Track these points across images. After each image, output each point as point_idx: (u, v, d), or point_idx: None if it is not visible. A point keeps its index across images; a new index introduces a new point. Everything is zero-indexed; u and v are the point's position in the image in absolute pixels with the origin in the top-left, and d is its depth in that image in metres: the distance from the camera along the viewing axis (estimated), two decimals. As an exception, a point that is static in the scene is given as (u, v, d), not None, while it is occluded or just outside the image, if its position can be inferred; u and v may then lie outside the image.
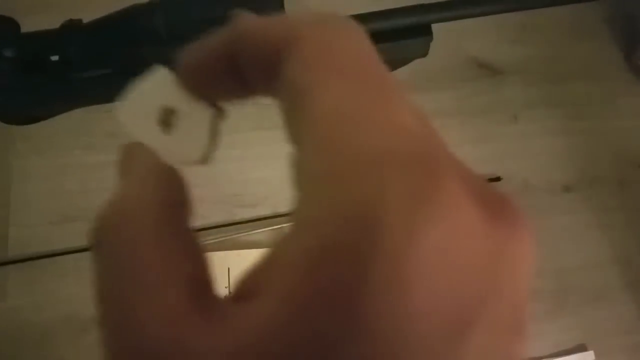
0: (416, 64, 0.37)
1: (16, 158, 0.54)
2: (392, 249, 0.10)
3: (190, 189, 0.14)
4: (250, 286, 0.12)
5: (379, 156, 0.11)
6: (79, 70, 0.31)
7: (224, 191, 0.55)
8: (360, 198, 0.10)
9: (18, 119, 0.35)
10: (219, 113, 0.15)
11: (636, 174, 0.61)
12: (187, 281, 0.12)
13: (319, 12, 0.13)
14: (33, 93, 0.33)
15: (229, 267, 0.49)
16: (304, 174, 0.12)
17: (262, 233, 0.53)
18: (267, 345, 0.10)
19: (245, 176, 0.55)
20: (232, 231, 0.53)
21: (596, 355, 0.52)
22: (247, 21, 0.13)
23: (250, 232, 0.53)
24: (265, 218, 0.53)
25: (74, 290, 0.47)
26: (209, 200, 0.54)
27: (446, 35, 0.38)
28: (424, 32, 0.35)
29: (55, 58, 0.31)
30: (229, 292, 0.12)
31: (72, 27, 0.32)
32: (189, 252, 0.13)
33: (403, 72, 0.38)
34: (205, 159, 0.15)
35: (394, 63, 0.36)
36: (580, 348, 0.53)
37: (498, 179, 0.57)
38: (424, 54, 0.36)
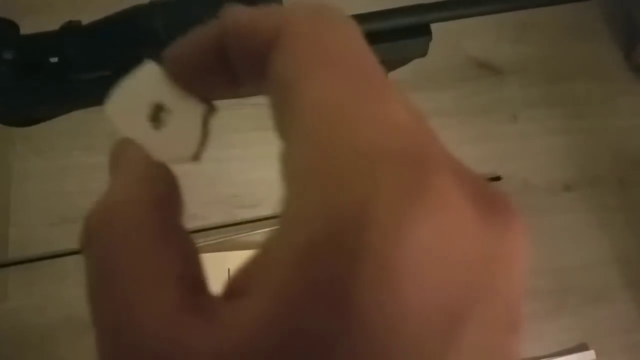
0: (416, 63, 0.37)
1: (16, 159, 0.54)
2: (381, 247, 0.10)
3: (181, 186, 0.14)
4: (241, 283, 0.11)
5: (368, 152, 0.10)
6: (79, 71, 0.31)
7: (224, 192, 0.55)
8: (349, 195, 0.10)
9: (18, 121, 0.35)
10: (210, 109, 0.15)
11: (636, 173, 0.61)
12: (179, 279, 0.12)
13: (310, 4, 0.13)
14: (33, 95, 0.33)
15: (228, 267, 0.49)
16: (292, 169, 0.11)
17: (262, 234, 0.53)
18: (258, 343, 0.10)
19: (245, 177, 0.55)
20: (232, 232, 0.53)
21: (597, 354, 0.52)
22: (236, 13, 0.13)
23: (250, 233, 0.53)
24: (265, 219, 0.53)
25: (74, 292, 0.47)
26: (208, 201, 0.54)
27: (446, 34, 0.38)
28: (423, 32, 0.35)
29: (54, 60, 0.31)
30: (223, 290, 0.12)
31: (71, 29, 0.32)
32: (180, 249, 0.12)
33: (403, 72, 0.38)
34: (196, 156, 0.15)
35: (393, 63, 0.36)
36: (582, 347, 0.53)
37: (498, 178, 0.57)
38: (423, 53, 0.36)
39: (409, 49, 0.35)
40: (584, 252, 0.57)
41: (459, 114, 0.60)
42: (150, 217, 0.12)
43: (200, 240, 0.51)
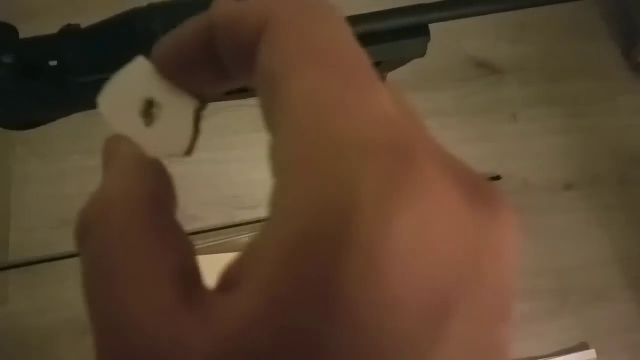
0: (415, 63, 0.37)
1: (16, 162, 0.54)
2: (366, 237, 0.10)
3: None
4: (232, 276, 0.11)
5: (353, 143, 0.10)
6: (78, 74, 0.31)
7: (224, 193, 0.55)
8: (334, 186, 0.10)
9: (17, 124, 0.35)
10: (201, 104, 0.15)
11: (636, 171, 0.61)
12: (172, 272, 0.12)
13: None
14: (32, 98, 0.33)
15: (229, 269, 0.49)
16: (279, 162, 0.11)
17: (262, 235, 0.53)
18: (248, 336, 0.10)
19: (245, 177, 0.55)
20: (232, 233, 0.53)
21: (597, 353, 0.52)
22: (223, 5, 0.13)
23: (250, 234, 0.53)
24: (265, 220, 0.53)
25: (74, 294, 0.47)
26: (208, 202, 0.54)
27: (445, 34, 0.38)
28: (421, 32, 0.35)
29: (53, 63, 0.31)
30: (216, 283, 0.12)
31: (70, 32, 0.32)
32: (173, 243, 0.12)
33: (402, 72, 0.38)
34: (188, 151, 0.15)
35: (391, 63, 0.36)
36: (582, 346, 0.53)
37: (498, 177, 0.57)
38: (422, 54, 0.36)
39: (408, 49, 0.35)
40: (584, 252, 0.57)
41: (459, 114, 0.60)
42: (143, 211, 0.12)
43: (199, 242, 0.51)
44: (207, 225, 0.52)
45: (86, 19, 0.33)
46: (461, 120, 0.60)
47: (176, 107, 0.15)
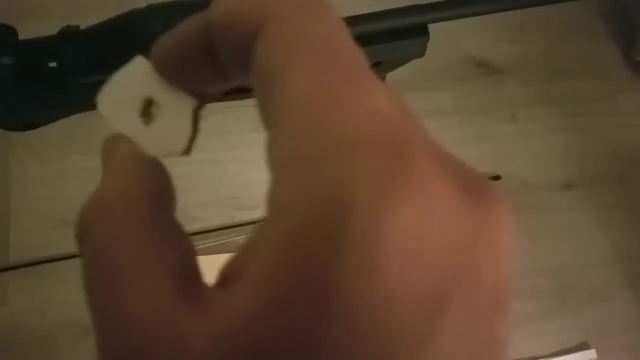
0: (414, 63, 0.37)
1: (16, 163, 0.54)
2: (361, 233, 0.10)
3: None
4: (232, 272, 0.12)
5: (349, 140, 0.11)
6: (77, 76, 0.31)
7: (223, 193, 0.55)
8: (329, 182, 0.10)
9: (17, 125, 0.35)
10: (200, 103, 0.15)
11: (636, 170, 0.60)
12: (172, 271, 0.12)
13: None
14: (32, 99, 0.33)
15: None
16: (276, 159, 0.11)
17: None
18: (246, 334, 0.10)
19: (245, 178, 0.55)
20: (231, 234, 0.53)
21: (598, 353, 0.52)
22: (221, 5, 0.13)
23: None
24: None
25: (74, 295, 0.47)
26: (208, 203, 0.54)
27: (444, 34, 0.38)
28: (421, 32, 0.35)
29: (53, 64, 0.31)
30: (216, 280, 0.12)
31: (69, 34, 0.32)
32: (173, 241, 0.13)
33: (401, 72, 0.38)
34: (186, 150, 0.15)
35: (391, 63, 0.36)
36: (583, 346, 0.53)
37: (498, 177, 0.57)
38: (421, 54, 0.36)
39: (407, 49, 0.35)
40: (584, 251, 0.57)
41: (458, 114, 0.60)
42: (143, 210, 0.13)
43: (199, 243, 0.51)
44: (207, 226, 0.52)
45: (85, 20, 0.33)
46: (461, 120, 0.60)
47: (175, 106, 0.15)
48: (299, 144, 0.11)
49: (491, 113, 0.61)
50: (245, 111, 0.53)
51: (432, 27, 0.35)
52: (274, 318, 0.10)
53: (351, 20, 0.32)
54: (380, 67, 0.36)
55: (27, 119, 0.35)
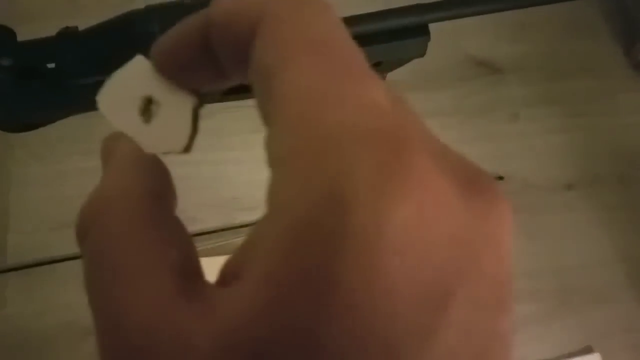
0: (414, 63, 0.37)
1: (15, 165, 0.54)
2: (362, 228, 0.10)
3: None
4: (233, 270, 0.12)
5: (347, 135, 0.11)
6: (76, 77, 0.31)
7: (223, 195, 0.55)
8: (328, 177, 0.10)
9: (16, 127, 0.35)
10: (199, 101, 0.15)
11: (637, 170, 0.60)
12: (172, 269, 0.12)
13: None
14: (30, 101, 0.32)
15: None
16: (275, 155, 0.11)
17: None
18: (247, 331, 0.10)
19: (245, 179, 0.55)
20: (231, 235, 0.53)
21: (602, 355, 0.52)
22: (219, 4, 0.13)
23: (251, 236, 0.53)
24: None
25: (74, 297, 0.47)
26: (207, 204, 0.54)
27: (444, 34, 0.38)
28: (421, 32, 0.34)
29: (52, 66, 0.31)
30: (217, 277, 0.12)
31: (68, 35, 0.32)
32: (173, 238, 0.13)
33: (401, 72, 0.38)
34: (186, 149, 0.15)
35: (391, 63, 0.36)
36: (587, 350, 0.53)
37: (500, 178, 0.57)
38: (422, 54, 0.36)
39: (407, 49, 0.35)
40: (585, 251, 0.57)
41: (459, 114, 0.60)
42: (143, 208, 0.13)
43: (199, 244, 0.51)
44: (207, 227, 0.52)
45: (84, 22, 0.33)
46: (461, 120, 0.60)
47: (174, 105, 0.15)
48: (298, 139, 0.11)
49: (492, 113, 0.61)
50: (245, 112, 0.53)
51: (432, 27, 0.35)
52: (274, 316, 0.10)
53: (351, 20, 0.32)
54: (380, 67, 0.36)
55: (26, 120, 0.35)
